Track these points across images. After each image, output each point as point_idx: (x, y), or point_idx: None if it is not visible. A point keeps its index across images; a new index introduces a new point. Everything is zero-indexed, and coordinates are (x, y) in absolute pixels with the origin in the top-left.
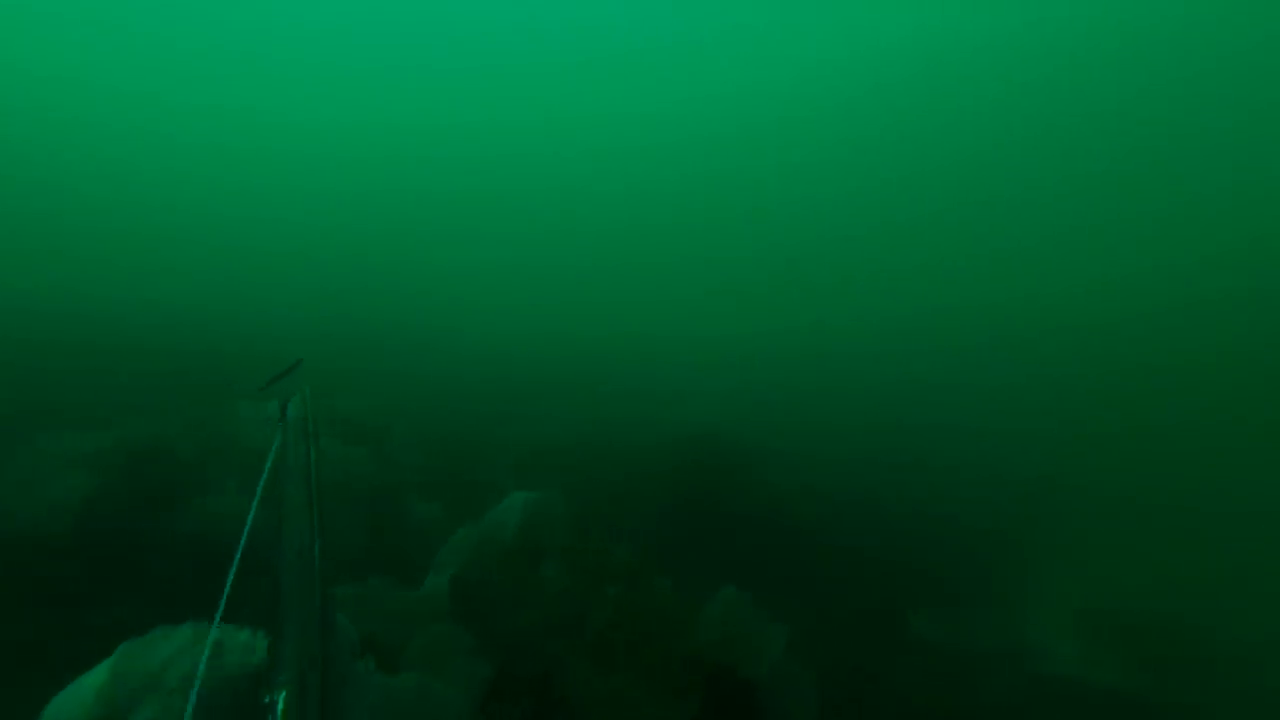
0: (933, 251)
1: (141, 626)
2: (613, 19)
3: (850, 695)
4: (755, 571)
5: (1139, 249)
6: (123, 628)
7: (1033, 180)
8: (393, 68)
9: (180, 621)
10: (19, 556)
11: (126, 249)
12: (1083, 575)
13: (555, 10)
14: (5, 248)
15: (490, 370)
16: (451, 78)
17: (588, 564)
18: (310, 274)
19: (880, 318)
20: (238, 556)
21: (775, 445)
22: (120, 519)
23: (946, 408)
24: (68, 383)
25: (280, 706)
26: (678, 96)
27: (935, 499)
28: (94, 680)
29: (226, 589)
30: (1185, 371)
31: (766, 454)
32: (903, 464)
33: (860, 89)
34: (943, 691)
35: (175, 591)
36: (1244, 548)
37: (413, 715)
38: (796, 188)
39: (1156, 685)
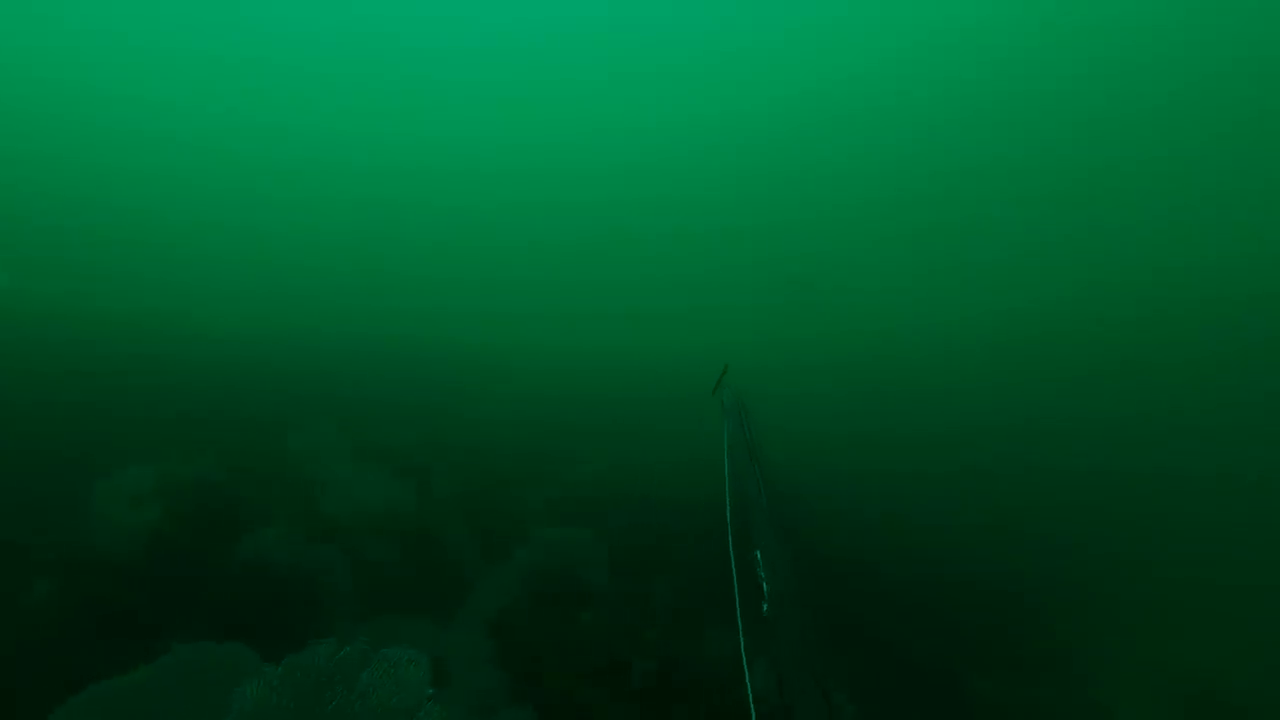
0: (966, 258)
1: (186, 648)
2: (623, 38)
3: None
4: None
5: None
6: (168, 648)
7: (1061, 184)
8: (440, 81)
9: (224, 643)
10: (88, 583)
11: (177, 268)
12: (1184, 638)
13: (566, 28)
14: (55, 265)
15: (524, 394)
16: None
17: (628, 609)
18: (345, 295)
19: (913, 329)
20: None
21: (821, 471)
22: (179, 548)
23: (1000, 424)
24: (131, 414)
25: (760, 558)
26: (682, 112)
27: (1002, 530)
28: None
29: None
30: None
31: (813, 484)
32: (952, 476)
33: (860, 103)
34: None
35: (227, 618)
36: None
37: None
38: (809, 199)
39: None
